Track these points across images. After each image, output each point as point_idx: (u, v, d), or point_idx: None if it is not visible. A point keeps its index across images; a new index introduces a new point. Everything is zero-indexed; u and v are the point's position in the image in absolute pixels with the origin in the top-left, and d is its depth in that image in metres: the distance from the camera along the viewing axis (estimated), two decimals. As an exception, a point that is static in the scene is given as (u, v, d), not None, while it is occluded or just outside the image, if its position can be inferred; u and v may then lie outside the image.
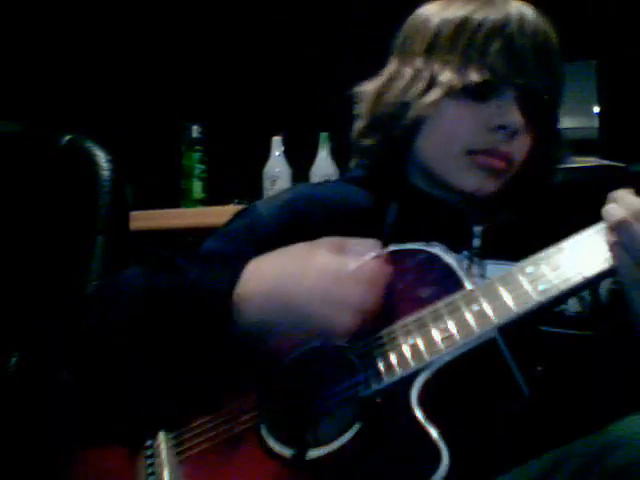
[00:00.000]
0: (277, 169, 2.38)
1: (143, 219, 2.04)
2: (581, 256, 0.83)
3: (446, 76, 1.02)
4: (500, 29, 1.02)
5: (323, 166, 2.36)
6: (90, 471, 0.89)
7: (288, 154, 2.42)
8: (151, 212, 2.19)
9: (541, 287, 0.82)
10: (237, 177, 2.44)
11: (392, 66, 1.11)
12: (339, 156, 2.36)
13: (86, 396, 0.93)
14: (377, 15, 2.52)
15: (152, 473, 0.85)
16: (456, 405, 0.82)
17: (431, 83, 1.03)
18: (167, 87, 2.80)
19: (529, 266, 0.84)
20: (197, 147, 2.47)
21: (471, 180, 1.04)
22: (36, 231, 1.35)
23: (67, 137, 1.40)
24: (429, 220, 1.03)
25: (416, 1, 1.15)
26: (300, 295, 0.83)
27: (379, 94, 1.09)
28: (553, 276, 0.82)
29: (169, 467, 0.85)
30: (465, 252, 1.02)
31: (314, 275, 0.83)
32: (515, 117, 1.01)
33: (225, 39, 2.83)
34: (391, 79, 1.09)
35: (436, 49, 1.05)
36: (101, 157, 1.37)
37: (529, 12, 1.05)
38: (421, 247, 0.94)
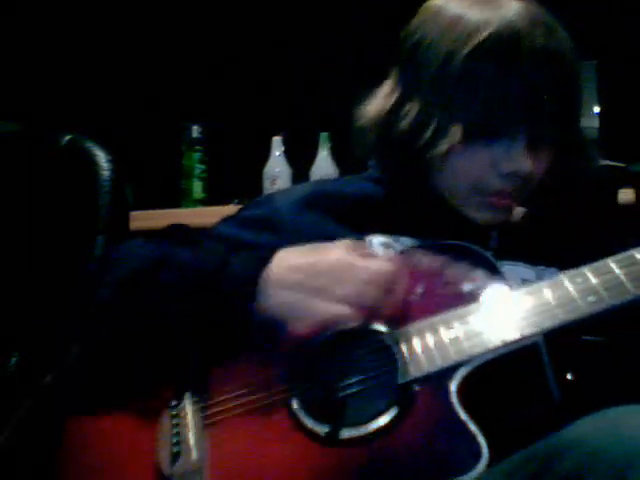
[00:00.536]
0: (277, 169, 2.38)
1: (143, 219, 2.03)
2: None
3: (459, 118, 0.97)
4: (515, 63, 0.95)
5: (323, 166, 2.36)
6: (112, 430, 0.89)
7: (288, 154, 2.42)
8: (151, 212, 2.18)
9: (590, 298, 0.83)
10: (237, 177, 2.44)
11: (396, 91, 1.05)
12: (339, 156, 2.37)
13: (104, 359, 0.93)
14: (377, 16, 2.52)
15: (177, 433, 0.86)
16: (491, 404, 0.83)
17: (444, 123, 0.98)
18: (167, 87, 2.80)
19: (578, 277, 0.85)
20: (197, 147, 2.47)
21: (482, 216, 1.04)
22: (36, 231, 1.35)
23: (67, 137, 1.40)
24: (447, 222, 1.03)
25: (416, 2, 1.15)
26: (309, 286, 0.85)
27: (387, 119, 1.04)
28: (601, 289, 0.83)
29: (194, 429, 0.86)
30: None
31: (325, 267, 0.85)
32: (525, 165, 0.99)
33: (225, 39, 2.83)
34: (397, 107, 1.03)
35: (445, 79, 0.98)
36: (101, 157, 1.37)
37: (542, 34, 0.97)
38: (460, 243, 0.95)
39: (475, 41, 0.96)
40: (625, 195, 1.61)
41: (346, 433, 0.81)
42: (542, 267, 1.02)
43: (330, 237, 0.91)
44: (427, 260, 0.92)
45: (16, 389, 1.22)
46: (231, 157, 2.64)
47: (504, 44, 0.96)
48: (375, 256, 0.90)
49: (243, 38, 2.82)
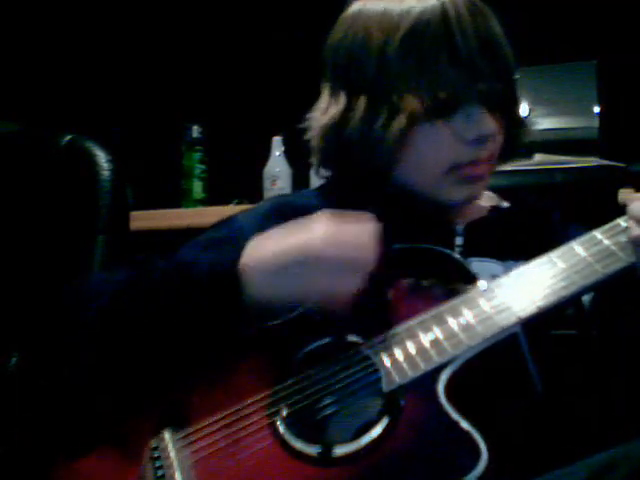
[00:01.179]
0: (277, 169, 2.38)
1: (143, 219, 2.03)
2: (602, 254, 0.84)
3: (406, 102, 0.99)
4: (444, 36, 0.98)
5: (323, 166, 2.35)
6: (93, 473, 0.87)
7: (288, 154, 2.41)
8: (151, 212, 2.18)
9: (563, 283, 0.83)
10: (237, 177, 2.44)
11: (340, 97, 1.06)
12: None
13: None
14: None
15: (162, 476, 0.83)
16: (480, 400, 0.82)
17: (392, 112, 1.00)
18: (167, 87, 2.80)
19: (545, 264, 0.85)
20: (197, 147, 2.47)
21: (459, 193, 1.03)
22: (36, 231, 1.35)
23: (67, 137, 1.40)
24: (411, 220, 1.02)
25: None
26: (305, 262, 0.84)
27: (333, 128, 1.05)
28: (572, 272, 0.83)
29: (180, 468, 0.83)
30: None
31: (317, 243, 0.84)
32: (488, 124, 1.00)
33: (225, 39, 2.83)
34: (345, 110, 1.04)
35: (385, 72, 1.01)
36: (101, 157, 1.37)
37: (463, 4, 1.00)
38: (428, 245, 0.94)
39: (404, 26, 0.99)
40: (625, 195, 1.61)
41: (339, 450, 0.80)
42: (511, 262, 1.00)
43: None
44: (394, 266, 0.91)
45: (16, 389, 1.22)
46: (231, 157, 2.64)
47: (433, 22, 0.99)
48: (358, 222, 0.87)
49: (243, 38, 2.82)
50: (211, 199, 2.45)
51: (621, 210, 0.85)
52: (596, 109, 2.39)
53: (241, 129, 2.74)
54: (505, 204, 1.14)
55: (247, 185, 2.33)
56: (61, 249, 1.33)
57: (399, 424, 0.80)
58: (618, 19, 2.52)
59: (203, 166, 2.47)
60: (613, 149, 2.17)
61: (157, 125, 2.70)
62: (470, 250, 1.02)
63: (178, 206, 2.43)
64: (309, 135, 1.09)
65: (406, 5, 1.00)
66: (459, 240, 1.04)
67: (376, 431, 0.80)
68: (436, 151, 1.01)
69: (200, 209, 2.39)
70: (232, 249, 0.88)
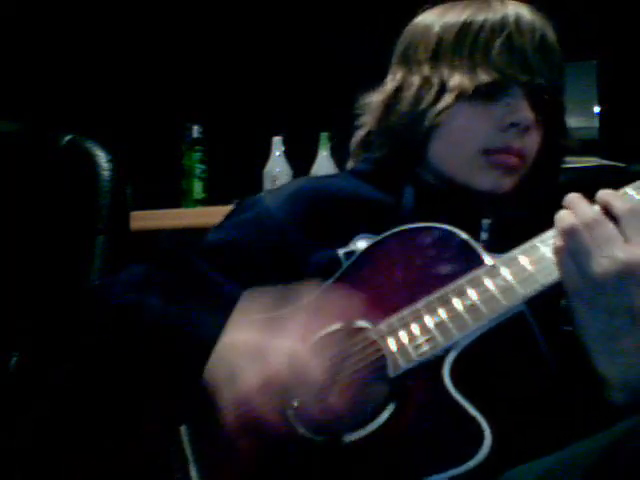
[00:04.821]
0: (277, 169, 2.38)
1: (143, 219, 2.03)
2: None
3: (455, 80, 1.05)
4: (500, 29, 1.05)
5: (323, 166, 2.35)
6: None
7: (288, 154, 2.42)
8: (151, 212, 2.18)
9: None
10: (237, 177, 2.44)
11: (398, 76, 1.12)
12: (339, 156, 2.36)
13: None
14: (377, 16, 2.52)
15: (180, 469, 0.83)
16: (489, 383, 0.82)
17: (441, 89, 1.06)
18: (167, 87, 2.80)
19: (551, 238, 0.84)
20: (197, 147, 2.47)
21: (488, 179, 1.06)
22: (36, 231, 1.36)
23: (67, 137, 1.40)
24: (438, 211, 1.02)
25: (415, 5, 1.16)
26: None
27: (388, 105, 1.11)
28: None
29: (194, 462, 0.83)
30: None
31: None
32: (525, 113, 1.03)
33: (225, 39, 2.83)
34: (399, 89, 1.10)
35: (441, 55, 1.08)
36: (101, 157, 1.37)
37: (525, 11, 1.08)
38: (435, 225, 0.95)
39: (465, 14, 1.08)
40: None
41: (350, 437, 0.80)
42: None
43: (315, 236, 0.95)
44: (399, 249, 0.92)
45: (16, 389, 1.22)
46: (231, 157, 2.64)
47: (491, 16, 1.07)
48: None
49: (243, 38, 2.82)
50: (211, 199, 2.45)
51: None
52: (596, 109, 2.39)
53: (241, 129, 2.74)
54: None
55: (247, 185, 2.32)
56: (61, 249, 1.33)
57: (405, 410, 0.80)
58: (618, 19, 2.52)
59: (203, 166, 2.47)
60: (613, 149, 2.17)
61: (157, 125, 2.70)
62: (494, 247, 1.01)
63: (178, 206, 2.43)
64: (361, 110, 1.15)
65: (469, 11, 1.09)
66: (484, 235, 1.04)
67: (382, 417, 0.80)
68: (471, 132, 1.05)
69: (200, 209, 2.39)
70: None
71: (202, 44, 2.84)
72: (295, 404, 0.83)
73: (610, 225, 0.80)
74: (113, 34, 2.86)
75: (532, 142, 1.06)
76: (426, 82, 1.08)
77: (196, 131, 2.48)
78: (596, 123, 2.38)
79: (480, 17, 1.06)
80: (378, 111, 1.12)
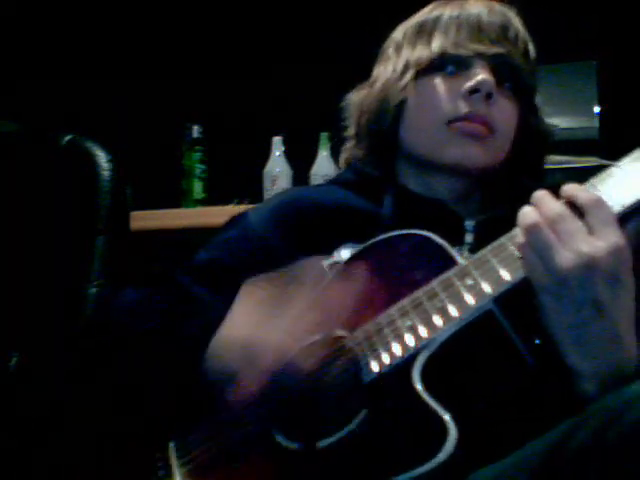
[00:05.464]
0: (277, 169, 2.38)
1: (143, 219, 2.03)
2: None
3: (414, 55, 1.09)
4: (459, 12, 1.09)
5: (323, 166, 2.35)
6: None
7: (288, 154, 2.42)
8: (151, 212, 2.18)
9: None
10: (237, 177, 2.44)
11: (374, 71, 1.17)
12: (339, 156, 2.36)
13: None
14: (377, 15, 2.52)
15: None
16: (460, 382, 0.82)
17: (404, 70, 1.10)
18: (167, 87, 2.80)
19: (519, 235, 0.84)
20: (197, 147, 2.47)
21: (455, 150, 1.06)
22: (36, 231, 1.35)
23: (67, 137, 1.40)
24: (421, 217, 1.03)
25: (415, 5, 1.16)
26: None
27: (362, 102, 1.15)
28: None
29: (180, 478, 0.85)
30: (457, 248, 1.02)
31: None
32: (485, 77, 1.04)
33: (225, 39, 2.83)
34: (371, 84, 1.15)
35: (405, 42, 1.13)
36: (101, 157, 1.37)
37: (492, 4, 1.11)
38: (411, 231, 0.95)
39: (426, 13, 1.13)
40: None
41: (324, 443, 0.81)
42: None
43: (299, 248, 0.95)
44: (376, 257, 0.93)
45: (16, 389, 1.22)
46: (231, 157, 2.64)
47: (451, 7, 1.12)
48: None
49: (243, 38, 2.82)
50: (211, 199, 2.45)
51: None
52: (596, 109, 2.39)
53: (241, 129, 2.74)
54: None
55: (247, 185, 2.33)
56: (61, 249, 1.33)
57: (376, 414, 0.81)
58: (618, 19, 2.52)
59: (203, 166, 2.47)
60: (613, 149, 2.17)
61: (157, 125, 2.70)
62: (480, 247, 1.02)
63: (178, 206, 2.43)
64: (346, 106, 1.19)
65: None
66: (469, 237, 1.04)
67: (355, 422, 0.80)
68: (434, 104, 1.07)
69: (200, 209, 2.39)
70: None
71: (202, 44, 2.84)
72: (274, 412, 0.85)
73: (574, 219, 0.80)
74: (113, 34, 2.86)
75: (499, 112, 1.06)
76: (392, 69, 1.12)
77: (196, 131, 2.47)
78: (596, 123, 2.39)
79: (442, 8, 1.11)
80: (356, 110, 1.16)
